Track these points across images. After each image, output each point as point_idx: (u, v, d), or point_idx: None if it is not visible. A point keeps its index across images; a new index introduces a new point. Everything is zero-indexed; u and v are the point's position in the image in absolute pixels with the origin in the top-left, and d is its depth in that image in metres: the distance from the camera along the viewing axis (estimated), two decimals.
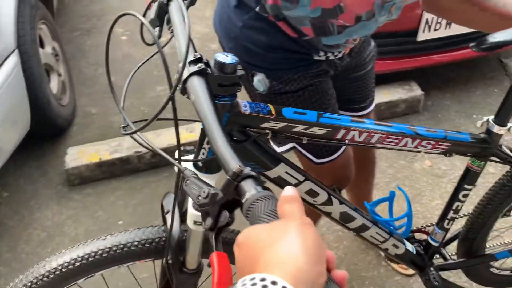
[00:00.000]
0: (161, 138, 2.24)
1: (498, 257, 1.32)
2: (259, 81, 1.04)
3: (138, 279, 1.33)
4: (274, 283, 0.37)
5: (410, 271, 1.77)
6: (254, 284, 0.37)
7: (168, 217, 0.95)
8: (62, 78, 2.45)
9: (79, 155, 2.19)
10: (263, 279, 0.37)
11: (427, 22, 2.34)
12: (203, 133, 0.86)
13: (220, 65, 0.72)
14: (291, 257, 0.40)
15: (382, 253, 1.83)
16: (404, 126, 0.94)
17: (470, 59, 2.68)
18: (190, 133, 2.24)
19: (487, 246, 1.33)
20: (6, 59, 1.88)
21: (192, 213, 0.85)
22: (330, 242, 1.92)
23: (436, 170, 2.25)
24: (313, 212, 1.41)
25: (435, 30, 2.40)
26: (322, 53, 1.06)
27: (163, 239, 0.97)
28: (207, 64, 0.71)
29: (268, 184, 0.68)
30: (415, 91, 2.59)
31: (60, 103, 2.32)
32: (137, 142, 0.83)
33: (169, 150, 2.22)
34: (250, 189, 0.51)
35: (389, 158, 2.30)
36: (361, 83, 1.28)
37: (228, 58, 0.72)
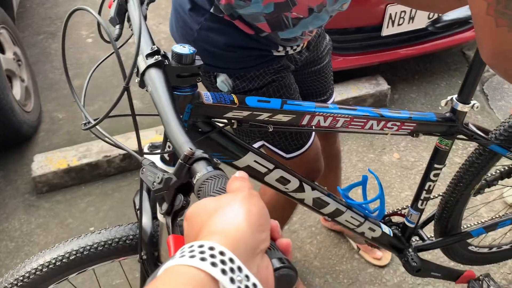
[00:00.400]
0: (130, 141, 2.21)
1: (474, 234, 1.35)
2: (222, 81, 1.04)
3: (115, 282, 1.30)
4: (211, 248, 0.37)
5: (383, 262, 1.79)
6: (192, 251, 0.37)
7: (139, 213, 0.94)
8: (26, 83, 2.38)
9: (46, 162, 2.13)
10: (201, 246, 0.38)
11: (390, 17, 2.39)
12: None
13: (178, 56, 0.72)
14: (233, 224, 0.40)
15: (356, 242, 1.85)
16: (368, 109, 0.95)
17: (434, 52, 2.75)
18: (160, 135, 2.22)
19: (463, 224, 1.36)
20: None
21: (161, 208, 0.84)
22: (303, 238, 1.93)
23: (404, 162, 2.29)
24: (286, 205, 1.42)
25: (399, 25, 2.45)
26: (281, 48, 1.06)
27: (136, 236, 0.95)
28: (164, 56, 0.72)
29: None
30: (382, 85, 2.63)
31: (24, 110, 2.25)
32: (98, 137, 0.81)
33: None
34: (201, 169, 0.51)
35: (359, 152, 2.33)
36: (320, 76, 1.30)
37: (185, 49, 0.72)
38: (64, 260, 0.94)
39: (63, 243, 0.97)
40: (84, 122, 0.80)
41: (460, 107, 0.99)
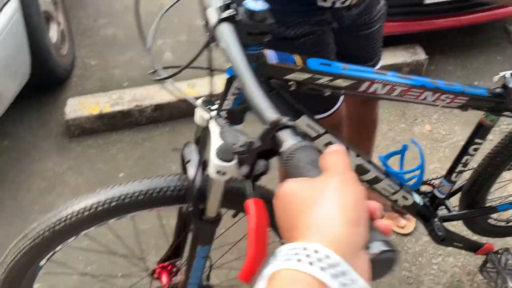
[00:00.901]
0: (162, 92, 2.22)
1: (499, 209, 1.37)
2: None
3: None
4: (316, 251, 0.36)
5: (406, 231, 1.82)
6: (296, 254, 0.36)
7: (189, 166, 0.96)
8: (62, 27, 2.38)
9: (79, 106, 2.16)
10: (305, 248, 0.37)
11: None
12: (229, 83, 0.85)
13: (250, 13, 0.70)
14: (329, 222, 0.39)
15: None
16: (425, 80, 0.94)
17: (476, 24, 2.66)
18: (191, 88, 2.22)
19: (488, 198, 1.37)
20: (5, 4, 1.82)
21: (215, 163, 0.85)
22: None
23: (435, 134, 2.27)
24: None
25: None
26: None
27: (183, 187, 0.98)
28: (236, 11, 0.70)
29: None
30: (419, 54, 2.58)
31: (59, 53, 2.26)
32: (165, 89, 0.82)
33: (174, 104, 2.20)
34: (289, 138, 0.51)
35: (390, 121, 2.32)
36: (369, 42, 1.26)
37: (258, 5, 0.70)
38: (105, 206, 0.97)
39: (105, 189, 0.99)
40: (151, 71, 0.80)
41: None
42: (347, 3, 1.08)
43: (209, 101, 0.93)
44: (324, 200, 0.40)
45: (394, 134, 2.26)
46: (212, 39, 0.71)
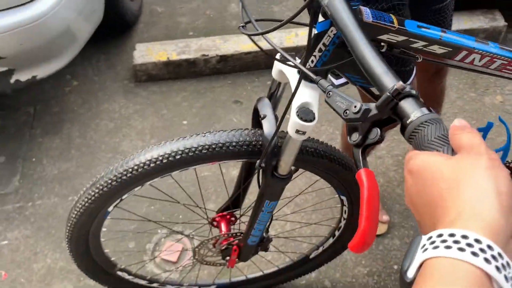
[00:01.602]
0: (228, 44, 2.21)
1: None
2: None
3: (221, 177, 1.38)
4: (477, 241, 0.34)
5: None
6: (456, 242, 0.34)
7: (265, 122, 0.96)
8: None
9: (147, 52, 2.20)
10: (464, 236, 0.34)
11: None
12: (318, 39, 0.83)
13: None
14: (486, 209, 0.36)
15: None
16: None
17: None
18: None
19: None
20: None
21: (296, 122, 0.85)
22: (389, 165, 1.93)
23: (507, 106, 2.16)
24: None
25: None
26: None
27: (259, 142, 0.99)
28: None
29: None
30: (498, 21, 2.40)
31: None
32: (254, 43, 0.81)
33: (239, 56, 2.19)
34: (413, 110, 0.48)
35: (460, 89, 2.22)
36: (440, 16, 1.21)
37: None
38: (170, 159, 0.98)
39: (170, 142, 1.00)
40: (242, 24, 0.79)
41: None
42: None
43: (291, 56, 0.92)
44: (475, 182, 0.38)
45: (463, 103, 2.17)
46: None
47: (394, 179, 1.90)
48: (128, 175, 1.00)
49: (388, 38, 0.82)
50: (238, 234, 1.21)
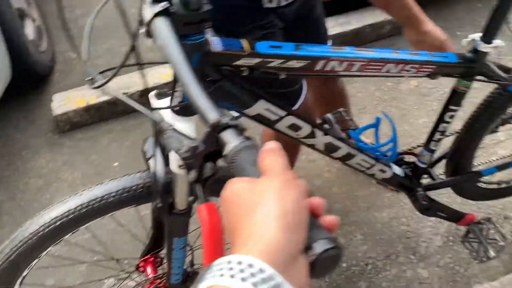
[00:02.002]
0: (147, 78, 2.20)
1: (485, 174, 1.34)
2: None
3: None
4: (250, 266, 0.36)
5: None
6: (231, 269, 0.36)
7: (151, 162, 0.95)
8: (37, 23, 2.35)
9: (65, 101, 2.16)
10: (239, 262, 0.36)
11: None
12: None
13: (184, 2, 0.68)
14: (267, 230, 0.38)
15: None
16: (386, 51, 0.90)
17: None
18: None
19: (474, 163, 1.35)
20: None
21: (176, 158, 0.85)
22: (322, 166, 1.96)
23: (422, 89, 2.25)
24: (293, 147, 1.43)
25: None
26: None
27: (148, 184, 0.97)
28: (170, 2, 0.67)
29: (249, 125, 0.66)
30: None
31: (38, 50, 2.24)
32: (105, 94, 0.80)
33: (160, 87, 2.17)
34: (232, 139, 0.49)
35: (377, 81, 2.29)
36: (315, 28, 1.25)
37: None
38: (70, 216, 0.93)
39: (73, 196, 0.96)
40: (88, 78, 0.78)
41: (483, 47, 0.93)
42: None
43: (161, 93, 0.91)
44: (264, 205, 0.40)
45: (381, 93, 2.24)
46: (148, 35, 0.69)
47: (329, 179, 1.93)
48: (14, 254, 0.94)
49: (245, 63, 0.83)
50: (163, 275, 1.19)
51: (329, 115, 1.25)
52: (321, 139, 0.99)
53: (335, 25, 2.49)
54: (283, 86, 1.11)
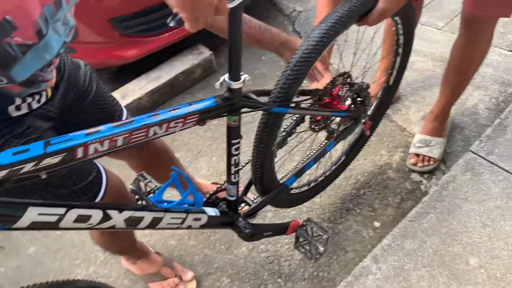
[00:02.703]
0: None
1: (288, 184, 1.45)
2: None
3: None
4: None
5: None
6: None
7: None
8: None
9: None
10: None
11: None
12: None
13: None
14: None
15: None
16: (144, 117, 0.91)
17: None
18: None
19: (278, 178, 1.44)
20: None
21: None
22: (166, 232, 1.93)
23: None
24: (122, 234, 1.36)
25: None
26: (19, 101, 0.95)
27: None
28: None
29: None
30: (204, 53, 2.64)
31: None
32: None
33: None
34: None
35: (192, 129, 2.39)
36: (100, 104, 1.23)
37: None
38: None
39: None
40: None
41: (234, 85, 1.01)
42: (43, 99, 1.02)
43: None
44: None
45: (211, 133, 2.36)
46: None
47: (183, 235, 1.92)
48: None
49: None
50: None
51: (130, 186, 1.23)
52: (119, 217, 0.96)
53: (148, 82, 2.50)
54: (74, 183, 1.06)
